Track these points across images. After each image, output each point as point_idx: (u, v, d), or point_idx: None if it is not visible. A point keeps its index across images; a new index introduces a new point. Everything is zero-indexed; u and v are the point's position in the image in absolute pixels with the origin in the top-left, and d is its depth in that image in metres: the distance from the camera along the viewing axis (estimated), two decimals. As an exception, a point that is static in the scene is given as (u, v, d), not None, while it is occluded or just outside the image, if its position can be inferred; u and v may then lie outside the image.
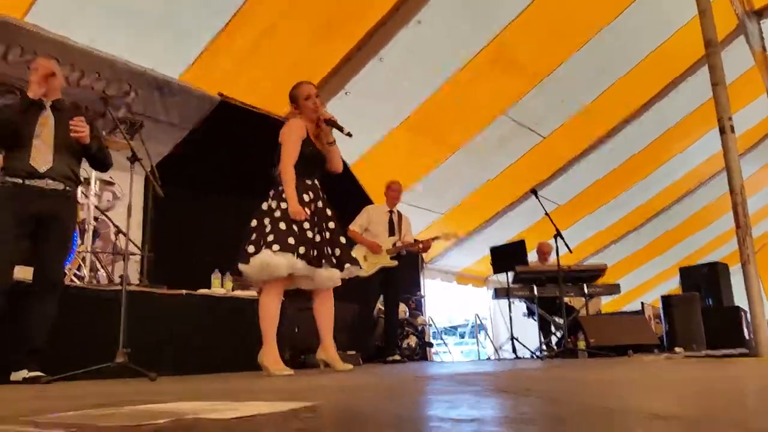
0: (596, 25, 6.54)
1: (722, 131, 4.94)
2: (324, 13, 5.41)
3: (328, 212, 3.53)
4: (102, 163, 3.63)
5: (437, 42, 6.07)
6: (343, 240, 3.54)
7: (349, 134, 3.50)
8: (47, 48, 4.40)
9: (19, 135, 3.25)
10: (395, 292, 5.66)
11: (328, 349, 3.54)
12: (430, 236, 5.79)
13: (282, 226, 3.28)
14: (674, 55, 7.34)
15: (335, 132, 3.59)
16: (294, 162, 3.43)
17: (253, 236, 3.34)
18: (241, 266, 3.29)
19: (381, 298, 5.74)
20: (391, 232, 5.61)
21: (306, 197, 3.43)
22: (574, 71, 6.96)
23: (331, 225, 3.50)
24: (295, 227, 3.30)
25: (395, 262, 5.49)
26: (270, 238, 3.24)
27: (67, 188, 3.35)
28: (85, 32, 4.63)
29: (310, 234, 3.35)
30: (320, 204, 3.50)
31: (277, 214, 3.35)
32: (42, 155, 3.25)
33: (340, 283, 3.55)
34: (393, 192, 5.81)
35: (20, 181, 3.20)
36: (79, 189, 4.62)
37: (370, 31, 5.75)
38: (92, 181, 4.71)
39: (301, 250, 3.26)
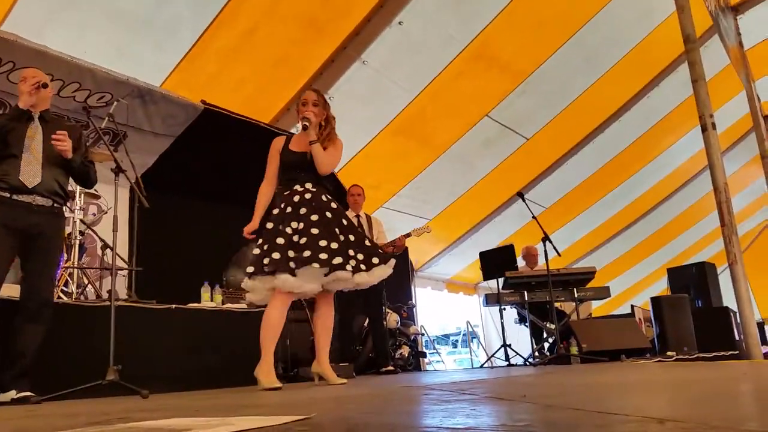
0: (577, 21, 6.61)
1: (704, 129, 4.99)
2: (306, 13, 5.43)
3: (301, 211, 3.32)
4: (85, 178, 3.55)
5: (419, 43, 6.11)
6: (322, 243, 3.22)
7: (305, 126, 3.45)
8: (27, 57, 4.34)
9: (8, 145, 3.18)
10: (378, 299, 5.54)
11: (322, 363, 3.51)
12: (401, 234, 5.66)
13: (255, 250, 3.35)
14: (655, 52, 7.45)
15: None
16: (267, 182, 3.59)
17: None
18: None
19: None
20: None
21: (276, 210, 3.41)
22: (556, 69, 7.04)
23: (297, 225, 3.28)
24: (263, 246, 3.31)
25: None
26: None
27: (55, 204, 3.30)
28: (63, 40, 4.59)
29: (262, 249, 3.29)
30: (288, 210, 3.34)
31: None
32: (31, 169, 3.19)
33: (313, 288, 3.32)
34: (353, 197, 5.69)
35: (7, 195, 3.13)
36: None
37: (353, 32, 5.77)
38: (77, 195, 4.66)
39: (249, 269, 3.28)
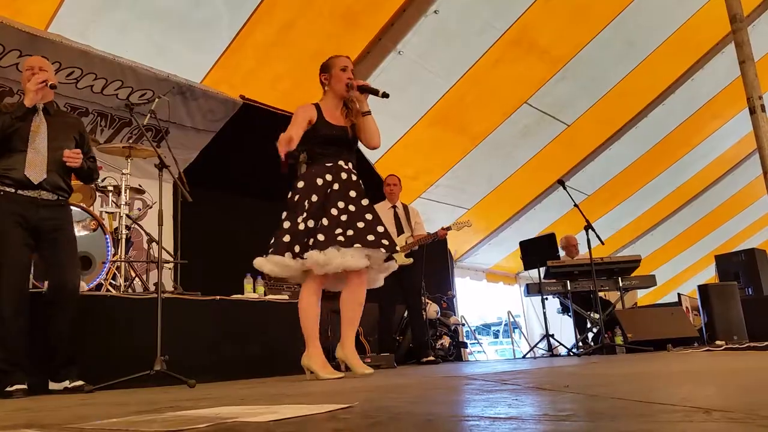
0: (618, 4, 6.45)
1: (752, 111, 4.84)
2: (340, 5, 5.44)
3: (351, 194, 3.24)
4: (88, 178, 3.55)
5: (455, 31, 6.06)
6: (369, 216, 3.20)
7: (385, 95, 3.26)
8: (71, 57, 4.51)
9: (11, 140, 3.11)
10: (416, 290, 5.54)
11: (346, 348, 3.26)
12: (443, 227, 5.68)
13: (285, 224, 3.17)
14: (699, 33, 7.20)
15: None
16: (293, 131, 3.19)
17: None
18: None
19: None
20: (399, 229, 5.56)
21: (319, 180, 3.22)
22: (597, 54, 6.89)
23: (351, 207, 3.19)
24: (297, 220, 3.14)
25: (410, 260, 5.39)
26: (271, 241, 3.16)
27: (60, 198, 3.28)
28: (105, 40, 4.72)
29: (302, 226, 3.14)
30: (336, 186, 3.23)
31: (284, 214, 3.22)
32: (37, 166, 3.14)
33: (362, 265, 3.16)
34: (389, 186, 5.71)
35: (12, 190, 3.10)
36: (111, 198, 4.73)
37: (387, 23, 5.76)
38: (122, 190, 4.79)
39: (296, 249, 3.09)
